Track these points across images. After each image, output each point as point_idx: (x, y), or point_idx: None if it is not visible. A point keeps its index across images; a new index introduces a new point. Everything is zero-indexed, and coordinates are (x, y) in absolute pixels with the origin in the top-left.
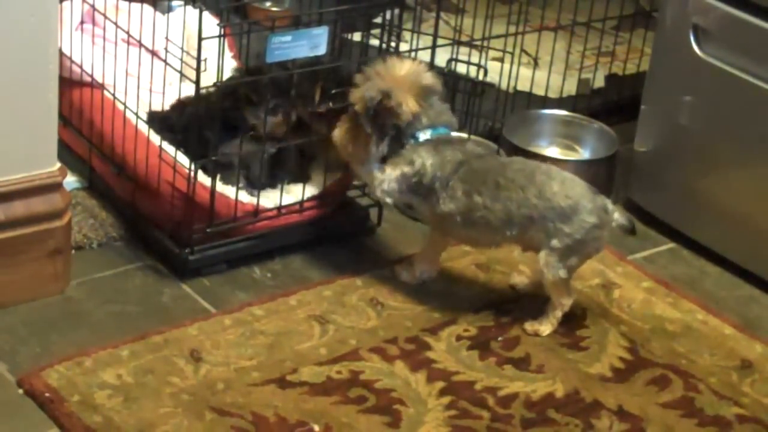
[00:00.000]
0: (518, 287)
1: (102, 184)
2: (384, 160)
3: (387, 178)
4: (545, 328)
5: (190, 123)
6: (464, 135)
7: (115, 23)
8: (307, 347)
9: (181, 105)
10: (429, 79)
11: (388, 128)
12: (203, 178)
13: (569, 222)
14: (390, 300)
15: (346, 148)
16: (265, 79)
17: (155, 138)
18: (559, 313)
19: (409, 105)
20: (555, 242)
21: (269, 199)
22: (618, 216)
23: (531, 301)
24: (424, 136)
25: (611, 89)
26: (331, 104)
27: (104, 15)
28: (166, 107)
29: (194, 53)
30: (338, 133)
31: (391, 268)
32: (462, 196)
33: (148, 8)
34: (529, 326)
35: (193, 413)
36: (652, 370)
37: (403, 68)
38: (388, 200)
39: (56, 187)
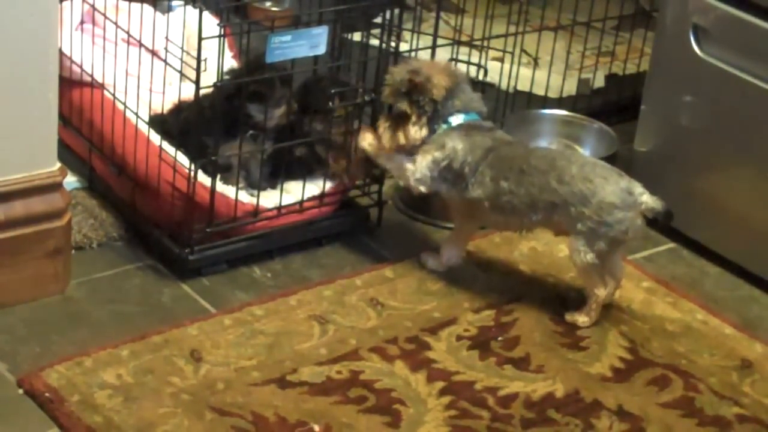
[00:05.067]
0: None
1: (102, 184)
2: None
3: (419, 167)
4: (583, 319)
5: (188, 127)
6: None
7: (115, 23)
8: (307, 347)
9: (178, 109)
10: (458, 69)
11: (425, 105)
12: (203, 178)
13: (589, 205)
14: (390, 300)
15: (384, 144)
16: (269, 74)
17: (155, 138)
18: (594, 305)
19: (438, 79)
20: (579, 226)
21: (269, 199)
22: (647, 199)
23: (532, 301)
24: (456, 120)
25: (611, 89)
26: (331, 104)
27: (104, 15)
28: (166, 110)
29: (194, 53)
30: (374, 133)
31: (392, 267)
32: (490, 182)
33: (148, 8)
34: (568, 316)
35: (193, 413)
36: (652, 370)
37: (431, 59)
38: (423, 189)
39: (56, 187)
